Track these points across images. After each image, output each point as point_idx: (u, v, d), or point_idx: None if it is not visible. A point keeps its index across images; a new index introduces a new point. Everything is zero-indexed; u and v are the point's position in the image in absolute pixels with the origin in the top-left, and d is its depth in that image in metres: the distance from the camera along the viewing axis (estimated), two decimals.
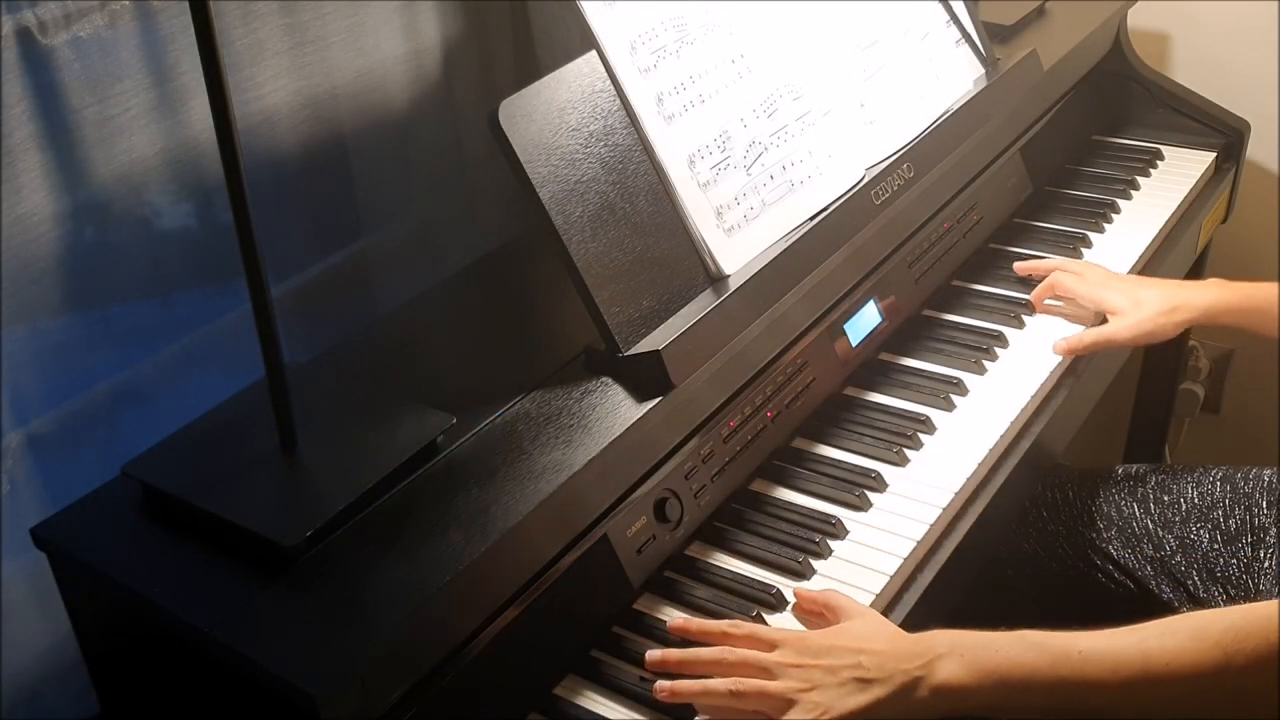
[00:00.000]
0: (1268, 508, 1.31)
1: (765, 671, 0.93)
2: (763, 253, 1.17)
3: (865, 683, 0.91)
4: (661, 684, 0.94)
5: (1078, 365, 1.33)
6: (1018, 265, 1.44)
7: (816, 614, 1.01)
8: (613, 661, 0.99)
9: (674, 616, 1.03)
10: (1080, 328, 1.36)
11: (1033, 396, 1.26)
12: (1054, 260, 1.43)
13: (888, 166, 1.30)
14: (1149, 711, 0.91)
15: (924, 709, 0.91)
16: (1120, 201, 1.61)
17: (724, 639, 0.97)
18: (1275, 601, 0.87)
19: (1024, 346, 1.34)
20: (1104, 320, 1.36)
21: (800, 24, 1.29)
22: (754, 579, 1.06)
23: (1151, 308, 1.32)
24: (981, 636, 0.93)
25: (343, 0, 1.32)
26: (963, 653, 0.92)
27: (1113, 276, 1.39)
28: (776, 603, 1.03)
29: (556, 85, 1.09)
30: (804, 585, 1.05)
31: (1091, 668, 0.89)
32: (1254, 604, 0.88)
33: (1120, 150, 1.74)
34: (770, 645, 0.95)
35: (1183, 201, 1.62)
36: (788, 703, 0.91)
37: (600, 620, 1.02)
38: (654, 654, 0.96)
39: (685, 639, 0.99)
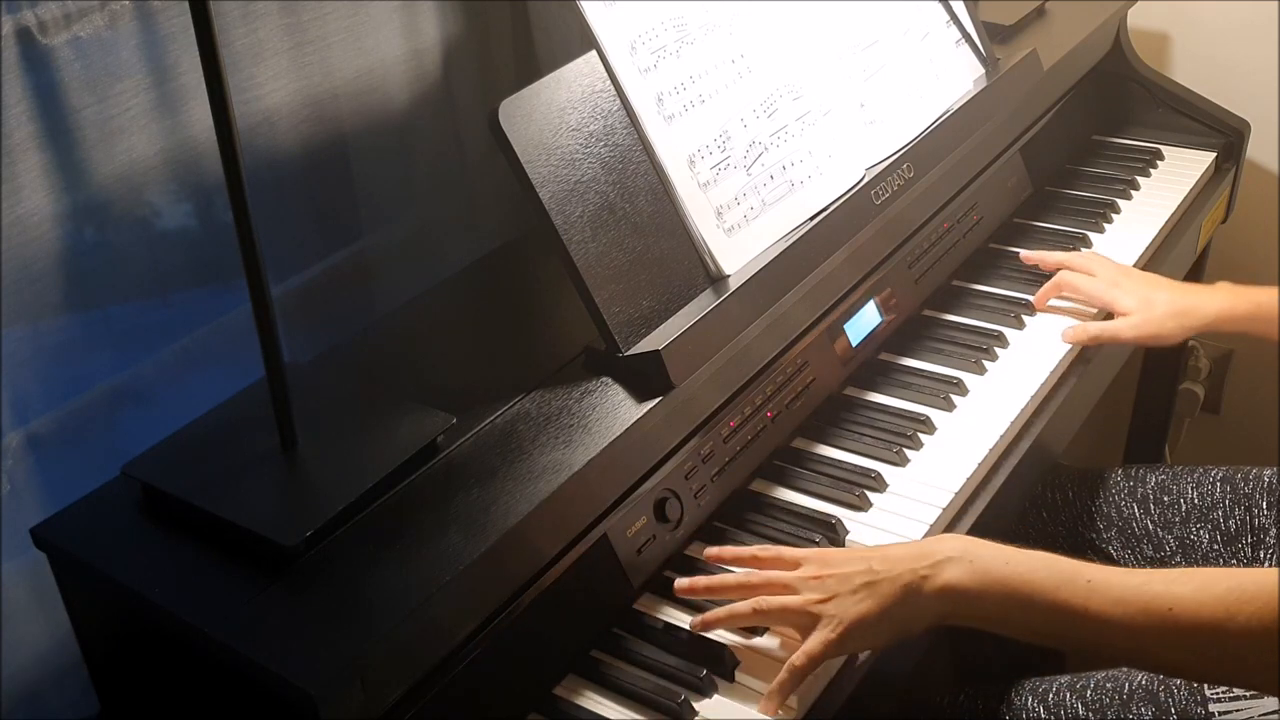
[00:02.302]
0: (1268, 508, 1.31)
1: (787, 588, 0.97)
2: (763, 253, 1.17)
3: (874, 585, 0.94)
4: (694, 619, 0.99)
5: (1078, 365, 1.33)
6: (1024, 254, 1.44)
7: None
8: (613, 661, 0.99)
9: (674, 616, 1.03)
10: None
11: (1033, 396, 1.26)
12: (1061, 255, 1.43)
13: (888, 166, 1.30)
14: (1146, 655, 0.92)
15: (929, 610, 0.94)
16: (1120, 201, 1.61)
17: (751, 562, 1.01)
18: None
19: (1024, 346, 1.34)
20: (1109, 317, 1.36)
21: (800, 24, 1.29)
22: None
23: (1161, 309, 1.32)
24: (994, 546, 0.95)
25: (343, 0, 1.32)
26: (972, 559, 0.94)
27: (1123, 275, 1.38)
28: None
29: (556, 85, 1.09)
30: None
31: (1096, 598, 0.90)
32: (1266, 569, 0.89)
33: (1120, 150, 1.74)
34: (794, 564, 1.00)
35: (1183, 201, 1.62)
36: (811, 617, 0.95)
37: (600, 620, 1.02)
38: (682, 581, 1.01)
39: (719, 567, 1.04)
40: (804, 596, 0.96)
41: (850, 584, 0.95)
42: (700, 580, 1.01)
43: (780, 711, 0.94)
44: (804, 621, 0.96)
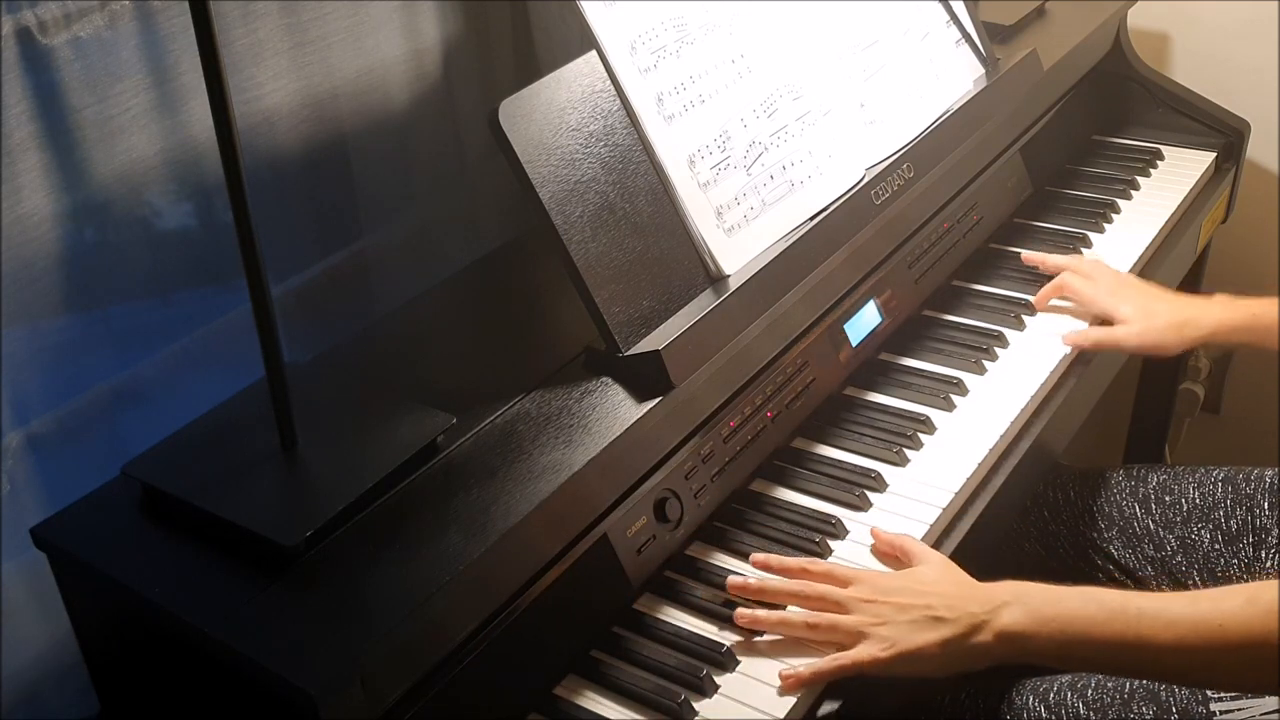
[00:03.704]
0: (1269, 509, 1.31)
1: (839, 606, 0.99)
2: (763, 253, 1.17)
3: (935, 621, 0.97)
4: (743, 611, 1.00)
5: (1078, 366, 1.33)
6: (1025, 254, 1.44)
7: (891, 556, 1.07)
8: (613, 661, 0.99)
9: (674, 616, 1.03)
10: (1082, 325, 1.36)
11: (1033, 396, 1.26)
12: (1063, 258, 1.43)
13: (888, 166, 1.30)
14: (1203, 674, 0.95)
15: (986, 651, 0.96)
16: (1120, 201, 1.61)
17: (802, 574, 1.03)
18: None
19: (1024, 346, 1.34)
20: (1107, 322, 1.36)
21: (800, 24, 1.29)
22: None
23: (1162, 320, 1.33)
24: (1046, 588, 0.98)
25: (343, 0, 1.32)
26: (1027, 602, 0.96)
27: (1123, 284, 1.38)
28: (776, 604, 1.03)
29: (556, 85, 1.09)
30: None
31: (1146, 624, 0.92)
32: None
33: (1120, 150, 1.74)
34: (845, 582, 1.01)
35: (1183, 201, 1.62)
36: (859, 636, 0.97)
37: (600, 620, 1.02)
38: (735, 579, 1.03)
39: (765, 572, 1.05)
40: (856, 618, 0.98)
41: (907, 614, 0.97)
42: (754, 582, 1.02)
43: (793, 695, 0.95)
44: (851, 640, 0.97)
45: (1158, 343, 1.33)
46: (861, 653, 0.96)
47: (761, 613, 1.00)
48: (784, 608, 1.01)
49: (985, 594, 0.99)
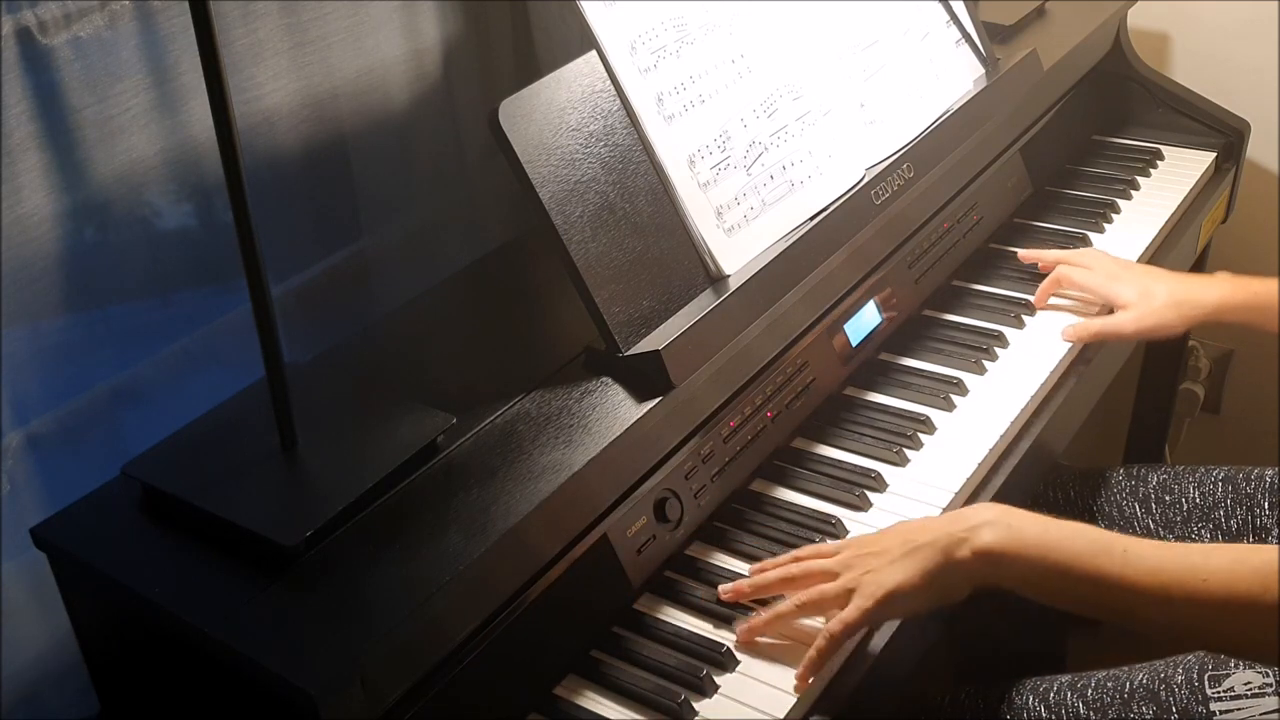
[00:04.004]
0: (1269, 509, 1.31)
1: (828, 575, 0.98)
2: (763, 253, 1.17)
3: (914, 551, 0.95)
4: (741, 629, 0.99)
5: (1078, 365, 1.33)
6: (1022, 253, 1.44)
7: None
8: (613, 661, 0.99)
9: (674, 616, 1.03)
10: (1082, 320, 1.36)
11: (1033, 396, 1.26)
12: (1059, 252, 1.43)
13: (888, 166, 1.30)
14: (1183, 627, 0.92)
15: (966, 573, 0.95)
16: (1120, 201, 1.61)
17: (791, 561, 1.02)
18: None
19: (1024, 346, 1.34)
20: (1110, 311, 1.36)
21: (800, 24, 1.29)
22: None
23: (1161, 300, 1.32)
24: (1030, 515, 0.96)
25: (343, 0, 1.32)
26: (1010, 522, 0.95)
27: (1121, 268, 1.38)
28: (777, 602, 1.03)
29: (556, 85, 1.09)
30: None
31: (1131, 567, 0.91)
32: None
33: (1120, 150, 1.74)
34: (833, 552, 1.00)
35: (1183, 201, 1.62)
36: (849, 593, 0.96)
37: (600, 620, 1.02)
38: (726, 587, 1.02)
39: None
40: (842, 579, 0.97)
41: (889, 556, 0.97)
42: (743, 584, 1.01)
43: (803, 685, 0.95)
44: (842, 601, 0.96)
45: (1158, 323, 1.32)
46: (850, 612, 0.95)
47: (756, 620, 0.99)
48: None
49: (963, 514, 0.97)
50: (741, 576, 1.06)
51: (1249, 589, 0.87)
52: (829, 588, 0.97)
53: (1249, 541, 1.30)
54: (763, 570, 1.03)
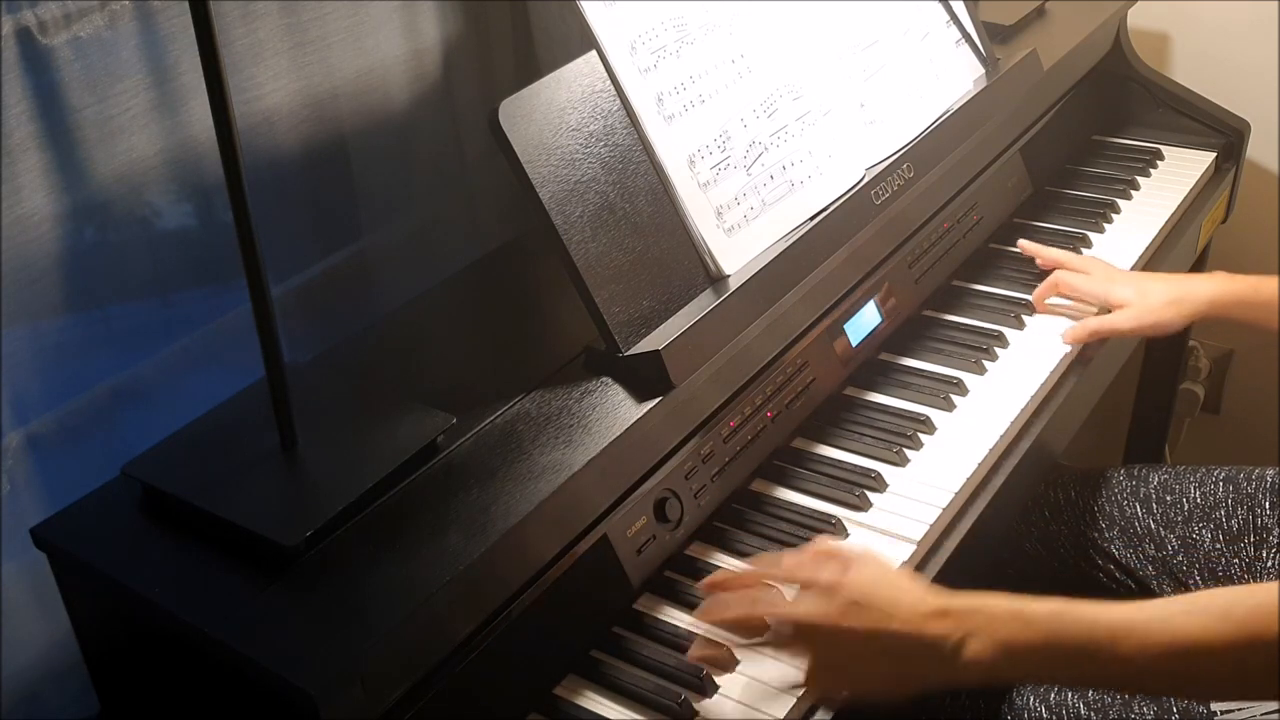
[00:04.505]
0: (1270, 508, 1.31)
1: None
2: (763, 253, 1.17)
3: (887, 660, 0.90)
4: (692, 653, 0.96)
5: (1078, 365, 1.33)
6: (1022, 243, 1.44)
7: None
8: (613, 661, 0.99)
9: (674, 616, 1.03)
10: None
11: (1033, 396, 1.26)
12: (1059, 253, 1.43)
13: (888, 166, 1.30)
14: (1175, 688, 0.92)
15: (951, 682, 0.91)
16: (1120, 201, 1.61)
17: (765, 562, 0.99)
18: None
19: (1024, 346, 1.34)
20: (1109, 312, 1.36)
21: (800, 24, 1.29)
22: None
23: (1157, 298, 1.33)
24: (1012, 610, 0.90)
25: (343, 0, 1.32)
26: (993, 633, 0.89)
27: (1117, 271, 1.39)
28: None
29: (556, 85, 1.09)
30: None
31: (1120, 645, 0.88)
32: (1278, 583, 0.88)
33: (1120, 150, 1.74)
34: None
35: (1183, 201, 1.62)
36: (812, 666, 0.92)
37: (600, 620, 1.02)
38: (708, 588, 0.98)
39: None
40: (803, 652, 0.92)
41: (859, 661, 0.91)
42: (718, 576, 0.99)
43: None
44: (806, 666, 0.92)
45: (1156, 321, 1.33)
46: (813, 683, 0.92)
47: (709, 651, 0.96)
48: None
49: (946, 625, 0.89)
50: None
51: (1240, 639, 0.85)
52: (791, 648, 0.93)
53: (1249, 540, 1.30)
54: (712, 584, 0.99)
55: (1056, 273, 1.39)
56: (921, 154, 1.34)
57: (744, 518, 1.12)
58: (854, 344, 1.28)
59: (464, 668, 0.89)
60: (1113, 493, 1.39)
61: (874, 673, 0.91)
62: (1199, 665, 0.87)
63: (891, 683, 0.91)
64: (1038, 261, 1.42)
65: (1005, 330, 1.35)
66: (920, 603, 0.91)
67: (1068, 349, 1.32)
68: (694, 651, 0.98)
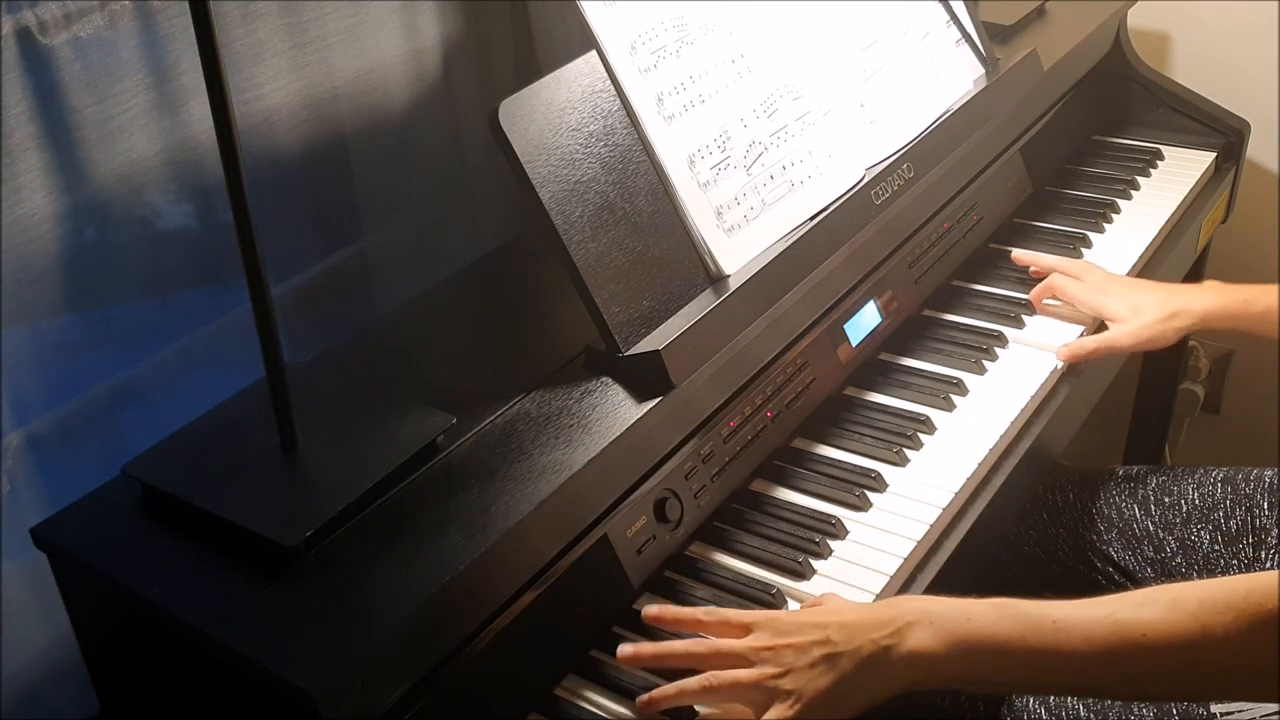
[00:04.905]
0: (1269, 509, 1.31)
1: (740, 659, 0.91)
2: (763, 253, 1.17)
3: (833, 658, 0.89)
4: (641, 698, 0.93)
5: (1078, 365, 1.33)
6: (1016, 253, 1.44)
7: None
8: (613, 661, 0.99)
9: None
10: (1079, 327, 1.36)
11: (1033, 396, 1.26)
12: (1053, 259, 1.43)
13: (888, 166, 1.30)
14: (1126, 685, 0.90)
15: (894, 679, 0.90)
16: (1120, 201, 1.61)
17: (697, 626, 0.96)
18: (1251, 575, 0.86)
19: (1024, 346, 1.34)
20: (1103, 324, 1.36)
21: (800, 24, 1.29)
22: (754, 579, 1.06)
23: (1150, 314, 1.33)
24: (954, 603, 0.91)
25: (343, 0, 1.32)
26: (934, 620, 0.90)
27: (1111, 281, 1.39)
28: (776, 602, 1.03)
29: (556, 85, 1.09)
30: (804, 585, 1.05)
31: (1064, 637, 0.87)
32: (1230, 577, 0.87)
33: (1120, 150, 1.74)
34: (744, 629, 0.94)
35: (1183, 201, 1.62)
36: (765, 693, 0.90)
37: (600, 620, 1.02)
38: (625, 649, 0.95)
39: (660, 629, 0.98)
40: (757, 670, 0.90)
41: (807, 656, 0.90)
42: (645, 648, 0.95)
43: None
44: (757, 698, 0.90)
45: (1151, 337, 1.33)
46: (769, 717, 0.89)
47: (658, 691, 0.92)
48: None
49: (885, 614, 0.91)
50: (742, 576, 1.06)
51: (1188, 633, 0.84)
52: (744, 675, 0.90)
53: (1248, 541, 1.30)
54: (659, 620, 0.97)
55: (1052, 276, 1.39)
56: (921, 154, 1.34)
57: (744, 518, 1.12)
58: (854, 344, 1.28)
59: (464, 668, 0.89)
60: (1111, 494, 1.39)
61: (822, 690, 0.89)
62: (1149, 659, 0.85)
63: (843, 695, 0.89)
64: (1032, 271, 1.42)
65: (1005, 330, 1.35)
66: (863, 608, 0.94)
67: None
68: (626, 651, 0.95)
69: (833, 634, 0.90)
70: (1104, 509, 1.38)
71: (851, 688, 0.89)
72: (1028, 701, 1.13)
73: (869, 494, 1.14)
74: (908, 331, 1.36)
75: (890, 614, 0.91)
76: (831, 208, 1.23)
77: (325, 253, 1.41)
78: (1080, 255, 1.49)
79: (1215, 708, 1.06)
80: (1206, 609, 0.85)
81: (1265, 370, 1.97)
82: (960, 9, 1.48)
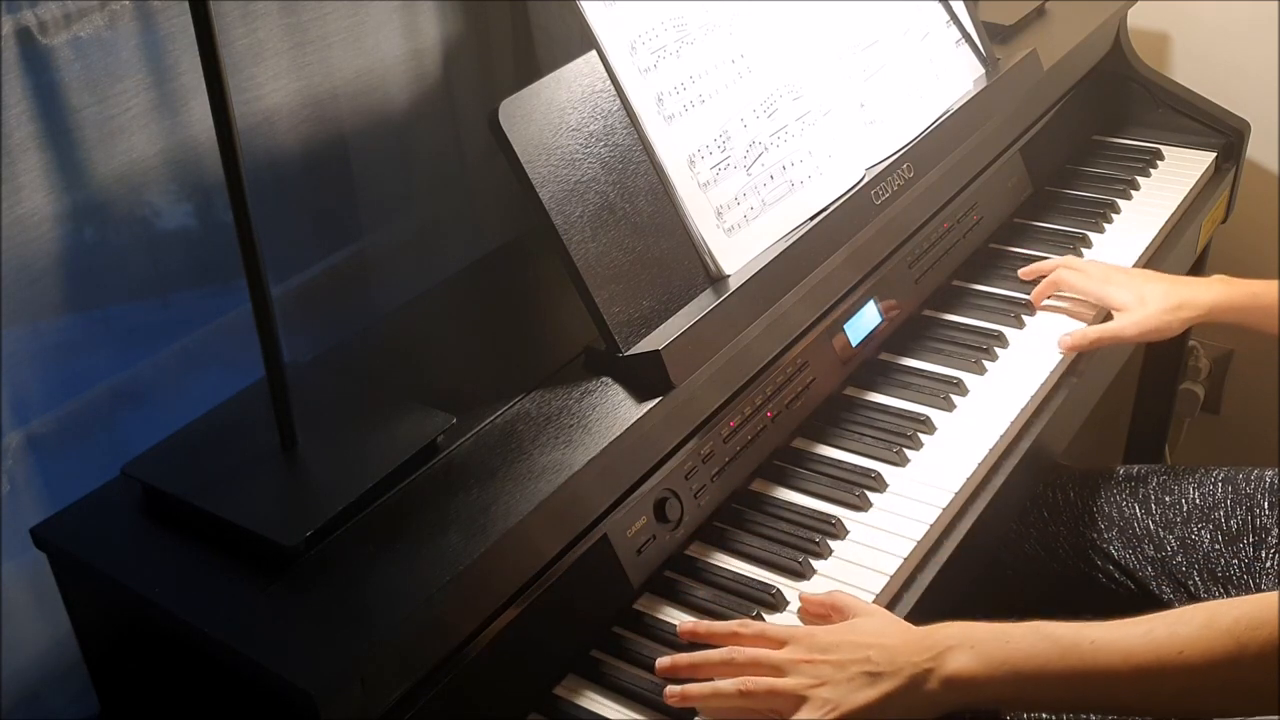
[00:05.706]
0: (1269, 508, 1.31)
1: (775, 669, 0.93)
2: (763, 253, 1.17)
3: (874, 676, 0.91)
4: (671, 689, 0.93)
5: (1078, 365, 1.33)
6: (1023, 271, 1.44)
7: (823, 616, 1.01)
8: (613, 661, 0.99)
9: (674, 616, 1.03)
10: (1081, 325, 1.36)
11: (1033, 396, 1.26)
12: (1056, 260, 1.43)
13: (888, 166, 1.30)
14: (1163, 704, 0.91)
15: (935, 701, 0.91)
16: (1120, 201, 1.61)
17: (733, 639, 0.97)
18: None
19: (1024, 346, 1.34)
20: (1108, 317, 1.36)
21: (800, 24, 1.29)
22: (754, 579, 1.06)
23: (1156, 305, 1.32)
24: (993, 628, 0.93)
25: (343, 0, 1.32)
26: (974, 644, 0.91)
27: (1116, 271, 1.39)
28: (776, 602, 1.03)
29: (556, 85, 1.09)
30: (804, 585, 1.05)
31: (1103, 658, 0.88)
32: (1266, 593, 0.88)
33: (1120, 150, 1.74)
34: (779, 643, 0.95)
35: (1183, 201, 1.62)
36: (798, 700, 0.91)
37: (600, 620, 1.02)
38: (664, 660, 0.96)
39: (694, 643, 0.98)
40: (793, 680, 0.91)
41: (846, 671, 0.91)
42: (682, 658, 0.96)
43: None
44: (790, 706, 0.91)
45: (1156, 328, 1.32)
46: (803, 718, 0.90)
47: (693, 687, 0.93)
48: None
49: (927, 640, 0.92)
50: (742, 577, 1.06)
51: (1226, 651, 0.85)
52: (781, 684, 0.91)
53: (1248, 541, 1.30)
54: (694, 634, 0.98)
55: (1056, 271, 1.39)
56: (921, 154, 1.34)
57: (744, 518, 1.12)
58: (854, 344, 1.28)
59: (464, 668, 0.89)
60: (1111, 493, 1.39)
61: (862, 705, 0.90)
62: (1186, 678, 0.87)
63: (887, 710, 0.90)
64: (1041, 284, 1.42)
65: (1005, 330, 1.35)
66: (904, 630, 0.94)
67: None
68: (665, 663, 0.96)
69: (874, 654, 0.92)
70: (1104, 508, 1.38)
71: (891, 707, 0.90)
72: None
73: (869, 494, 1.14)
74: (908, 331, 1.36)
75: (931, 638, 0.92)
76: (831, 208, 1.23)
77: (325, 253, 1.41)
78: (1080, 255, 1.50)
79: None
80: (1242, 625, 0.86)
81: (1265, 370, 1.97)
82: (960, 9, 1.48)
